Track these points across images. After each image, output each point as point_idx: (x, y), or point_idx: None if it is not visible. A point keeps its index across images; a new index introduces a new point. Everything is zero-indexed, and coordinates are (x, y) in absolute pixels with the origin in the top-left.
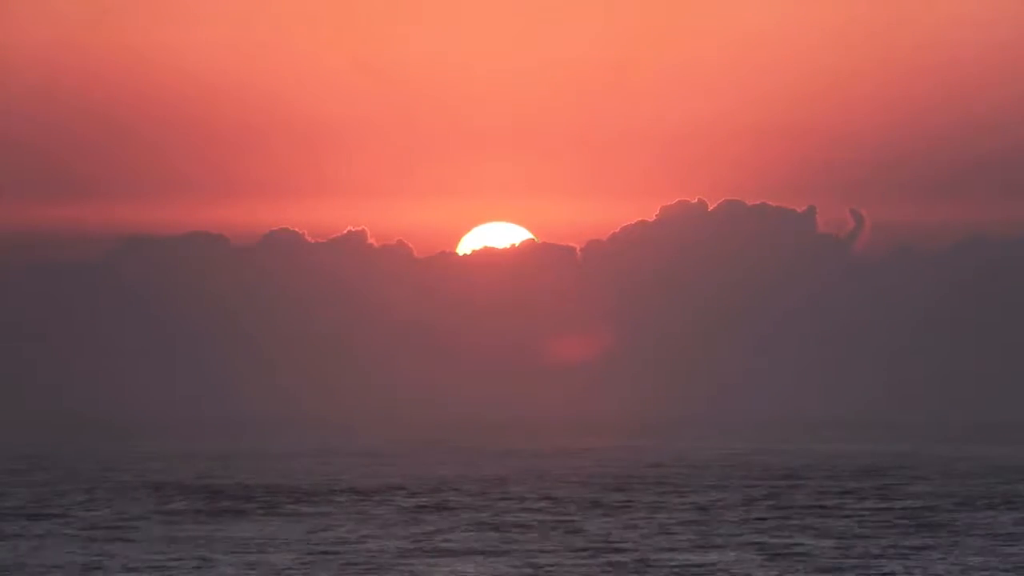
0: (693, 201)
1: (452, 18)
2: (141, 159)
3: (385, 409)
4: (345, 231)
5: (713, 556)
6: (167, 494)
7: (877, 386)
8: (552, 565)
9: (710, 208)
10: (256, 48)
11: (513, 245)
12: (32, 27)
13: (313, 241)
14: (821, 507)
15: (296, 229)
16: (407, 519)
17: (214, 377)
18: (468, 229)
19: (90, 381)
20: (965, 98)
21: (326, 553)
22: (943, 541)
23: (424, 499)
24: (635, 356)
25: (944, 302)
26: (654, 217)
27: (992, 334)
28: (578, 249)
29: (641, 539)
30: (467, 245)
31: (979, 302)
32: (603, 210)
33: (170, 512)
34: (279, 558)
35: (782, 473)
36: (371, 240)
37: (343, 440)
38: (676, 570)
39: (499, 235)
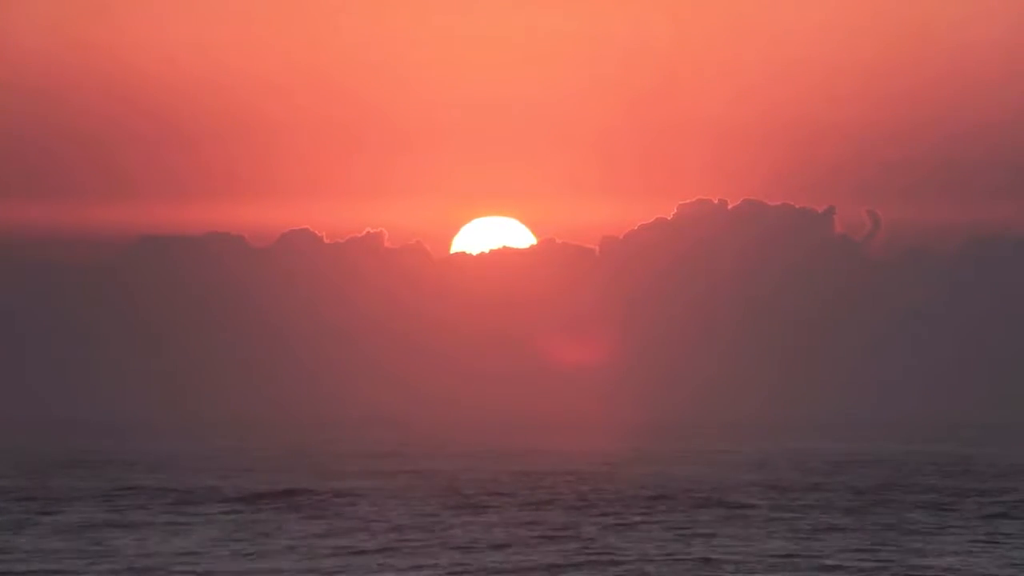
0: (714, 200)
1: (464, 18)
2: (157, 159)
3: (400, 410)
4: (363, 232)
5: None
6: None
7: (892, 386)
8: None
9: (730, 207)
10: (270, 48)
11: (532, 245)
12: (43, 27)
13: (330, 242)
14: None
15: (313, 230)
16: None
17: (228, 378)
18: (485, 230)
19: (100, 382)
20: (980, 100)
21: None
22: None
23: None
24: (649, 356)
25: (956, 302)
26: (672, 215)
27: (1004, 334)
28: (596, 249)
29: None
30: (484, 245)
31: (991, 302)
32: (620, 208)
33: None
34: None
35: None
36: (388, 241)
37: (354, 441)
38: None
39: (516, 235)
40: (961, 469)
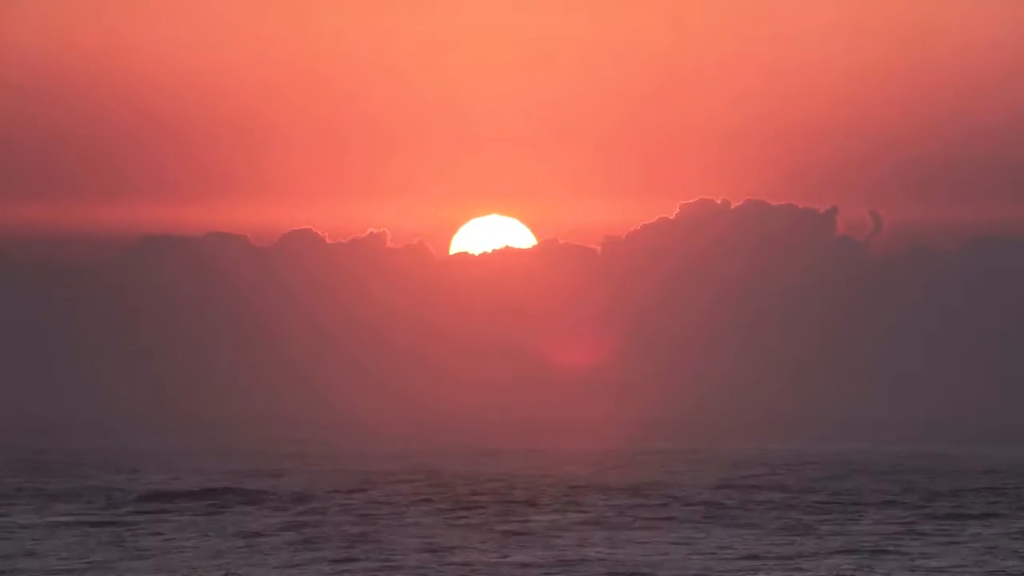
0: (717, 200)
1: (466, 19)
2: (159, 159)
3: (398, 411)
4: (366, 232)
5: None
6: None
7: (895, 387)
8: None
9: (733, 207)
10: (272, 49)
11: (533, 245)
12: (42, 28)
13: (333, 242)
14: None
15: (316, 230)
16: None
17: (231, 377)
18: (486, 229)
19: (100, 382)
20: (983, 100)
21: None
22: None
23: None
24: (654, 356)
25: (960, 302)
26: (675, 215)
27: (1009, 334)
28: (598, 249)
29: None
30: (486, 245)
31: (995, 302)
32: (623, 208)
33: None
34: None
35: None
36: (391, 241)
37: (345, 441)
38: None
39: (517, 235)
40: (954, 469)
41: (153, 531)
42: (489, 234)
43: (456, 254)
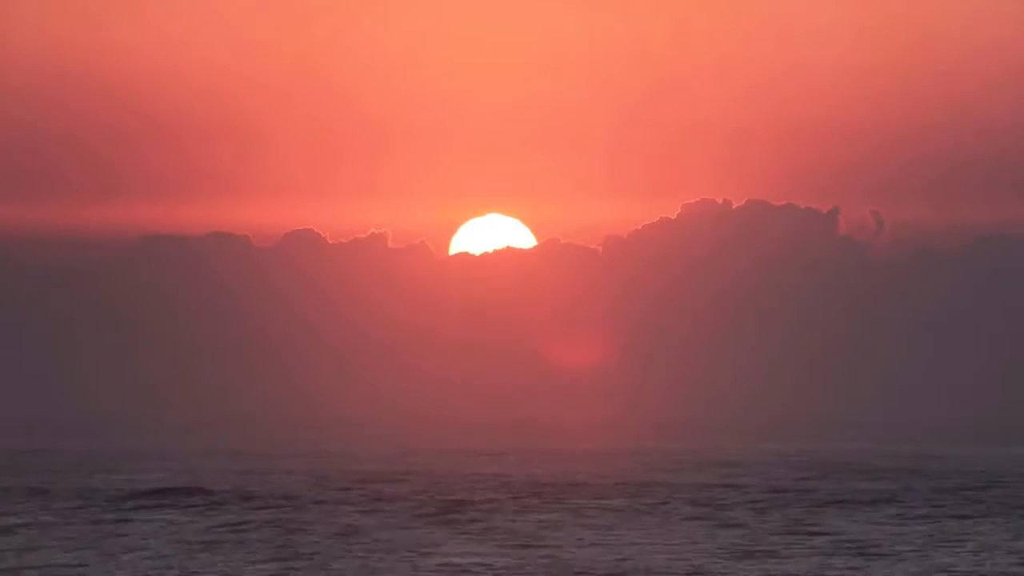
0: (718, 200)
1: (467, 19)
2: (162, 159)
3: (397, 411)
4: (367, 233)
5: None
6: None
7: (899, 387)
8: None
9: (734, 207)
10: (273, 50)
11: (534, 245)
12: (44, 30)
13: (334, 242)
14: None
15: (317, 230)
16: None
17: (231, 377)
18: (487, 229)
19: (103, 382)
20: (984, 100)
21: None
22: None
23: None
24: (655, 356)
25: (962, 303)
26: (676, 215)
27: (1012, 334)
28: (600, 249)
29: None
30: (487, 245)
31: (998, 302)
32: (624, 208)
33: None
34: None
35: None
36: (392, 242)
37: (339, 443)
38: None
39: (518, 235)
40: (954, 469)
41: (146, 529)
42: (489, 234)
43: (456, 254)
